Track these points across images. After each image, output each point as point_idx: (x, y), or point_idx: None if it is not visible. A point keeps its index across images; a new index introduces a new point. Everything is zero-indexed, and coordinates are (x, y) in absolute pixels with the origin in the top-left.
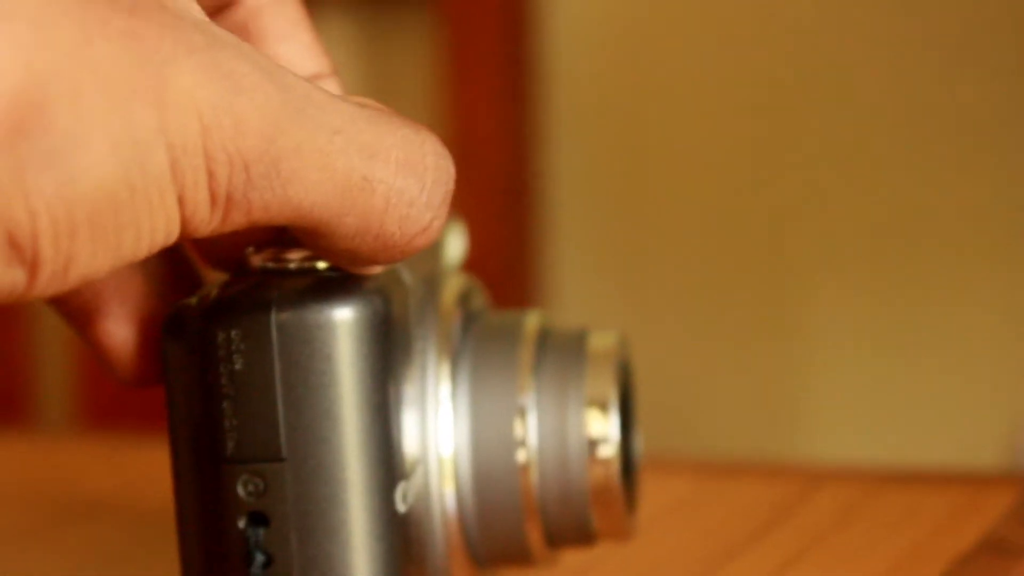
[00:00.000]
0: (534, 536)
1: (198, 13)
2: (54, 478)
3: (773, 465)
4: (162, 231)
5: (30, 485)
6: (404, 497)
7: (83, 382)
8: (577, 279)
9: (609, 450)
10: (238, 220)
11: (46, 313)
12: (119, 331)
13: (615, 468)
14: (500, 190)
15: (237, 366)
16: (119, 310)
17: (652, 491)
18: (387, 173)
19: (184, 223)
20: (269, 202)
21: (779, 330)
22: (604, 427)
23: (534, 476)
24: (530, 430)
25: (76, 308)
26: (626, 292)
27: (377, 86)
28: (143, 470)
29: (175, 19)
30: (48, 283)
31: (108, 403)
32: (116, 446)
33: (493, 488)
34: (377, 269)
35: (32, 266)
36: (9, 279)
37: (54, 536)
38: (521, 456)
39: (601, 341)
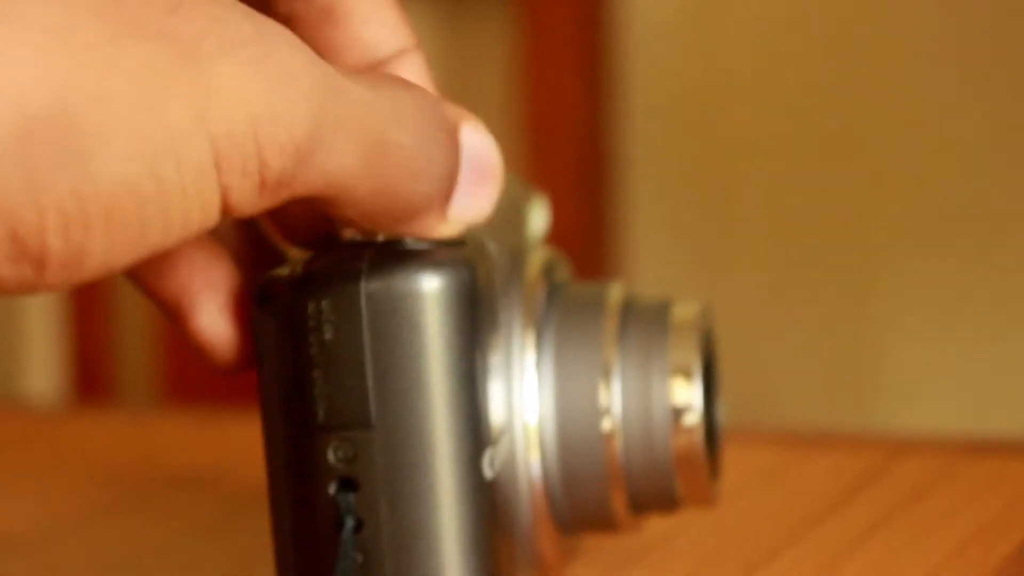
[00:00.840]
0: (618, 503)
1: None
2: (141, 452)
3: (855, 435)
4: (197, 220)
5: (118, 459)
6: (491, 463)
7: (165, 358)
8: (654, 252)
9: (693, 418)
10: (281, 198)
11: (126, 289)
12: (210, 323)
13: (699, 436)
14: (577, 167)
15: (327, 336)
16: (208, 302)
17: (734, 461)
18: (407, 139)
19: (225, 209)
20: (311, 178)
21: (859, 300)
22: (688, 395)
23: (618, 444)
24: (614, 399)
25: (165, 302)
26: (703, 265)
27: (455, 67)
28: (231, 445)
29: (224, 11)
30: (59, 276)
31: (190, 379)
32: (203, 421)
33: (578, 456)
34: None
35: (39, 261)
36: (15, 273)
37: (143, 508)
38: (606, 424)
39: (684, 311)
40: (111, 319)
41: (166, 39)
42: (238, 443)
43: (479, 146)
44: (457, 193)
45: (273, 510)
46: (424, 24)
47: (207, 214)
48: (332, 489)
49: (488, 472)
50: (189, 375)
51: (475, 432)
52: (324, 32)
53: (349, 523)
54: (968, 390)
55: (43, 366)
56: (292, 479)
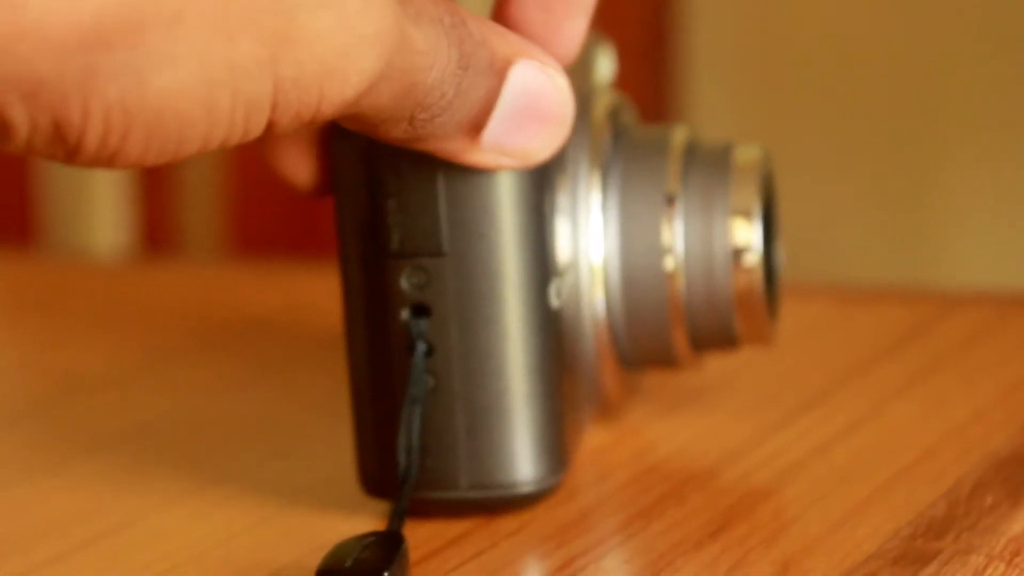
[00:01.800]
0: (679, 340)
1: None
2: (208, 301)
3: (909, 290)
4: (235, 140)
5: (185, 307)
6: (557, 294)
7: (231, 215)
8: (715, 118)
9: (753, 258)
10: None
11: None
12: (291, 159)
13: (758, 275)
14: (639, 40)
15: (402, 165)
16: (289, 139)
17: (791, 312)
18: (432, 78)
19: (264, 133)
20: (344, 111)
21: (919, 165)
22: (748, 235)
23: (680, 282)
24: (677, 238)
25: None
26: (763, 127)
27: None
28: (302, 292)
29: None
30: (88, 163)
31: (256, 235)
32: (269, 272)
33: (641, 293)
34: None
35: (72, 151)
36: (48, 151)
37: (210, 352)
38: (668, 263)
39: (746, 153)
40: (177, 175)
41: None
42: (311, 291)
43: (532, 86)
44: (492, 125)
45: (348, 336)
46: None
47: (247, 137)
48: (405, 315)
49: (554, 301)
50: (255, 231)
51: (542, 262)
52: None
53: (421, 347)
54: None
55: (109, 222)
56: (366, 306)
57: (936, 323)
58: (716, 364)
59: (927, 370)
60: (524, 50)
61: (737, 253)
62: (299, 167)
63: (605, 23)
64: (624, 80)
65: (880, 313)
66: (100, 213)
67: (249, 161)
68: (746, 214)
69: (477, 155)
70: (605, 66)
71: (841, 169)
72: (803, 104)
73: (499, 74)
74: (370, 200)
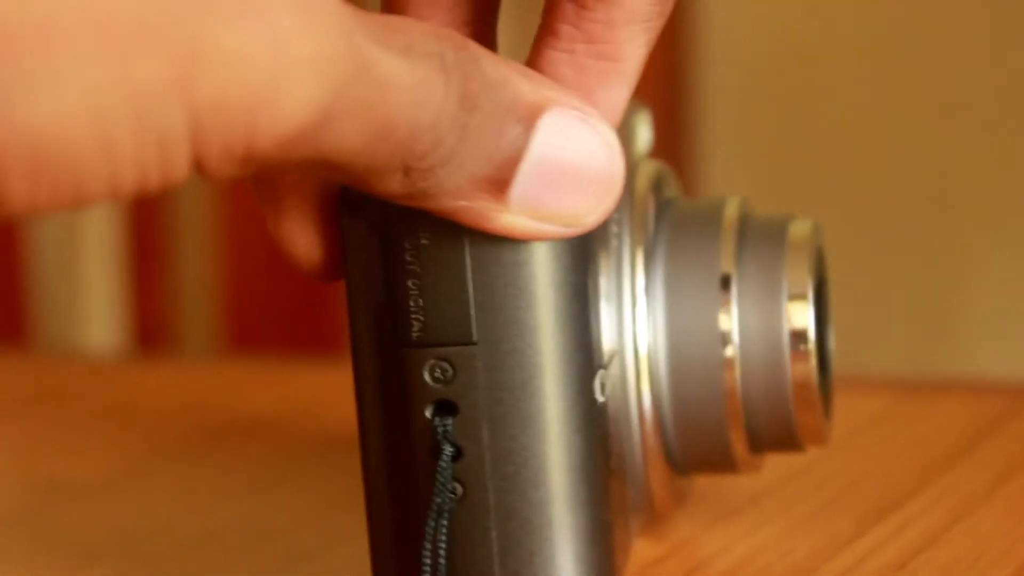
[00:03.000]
0: (737, 439)
1: None
2: (204, 402)
3: (972, 381)
4: (156, 180)
5: (180, 409)
6: (602, 388)
7: (226, 311)
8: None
9: (809, 344)
10: (267, 168)
11: (187, 240)
12: (295, 229)
13: (813, 363)
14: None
15: (423, 240)
16: (295, 207)
17: (846, 408)
18: (426, 119)
19: (196, 173)
20: (302, 153)
21: (941, 249)
22: (804, 319)
23: (737, 373)
24: (734, 324)
25: (257, 192)
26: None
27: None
28: (299, 392)
29: None
30: None
31: (251, 332)
32: (271, 369)
33: (693, 387)
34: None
35: None
36: None
37: (207, 457)
38: (727, 351)
39: (800, 228)
40: (170, 271)
41: None
42: (309, 391)
43: (570, 137)
44: (519, 180)
45: (363, 438)
46: None
47: (170, 178)
48: (428, 413)
49: (600, 396)
50: (250, 328)
51: (587, 351)
52: None
53: (447, 450)
54: None
55: (102, 319)
56: (384, 402)
57: (1008, 418)
58: (769, 466)
59: (1007, 471)
60: (560, 97)
61: (795, 338)
62: (304, 242)
63: None
64: None
65: (944, 408)
66: (93, 310)
67: (245, 254)
68: (802, 295)
69: (505, 218)
70: (644, 134)
71: (860, 261)
72: (819, 183)
73: (526, 120)
74: (385, 281)
